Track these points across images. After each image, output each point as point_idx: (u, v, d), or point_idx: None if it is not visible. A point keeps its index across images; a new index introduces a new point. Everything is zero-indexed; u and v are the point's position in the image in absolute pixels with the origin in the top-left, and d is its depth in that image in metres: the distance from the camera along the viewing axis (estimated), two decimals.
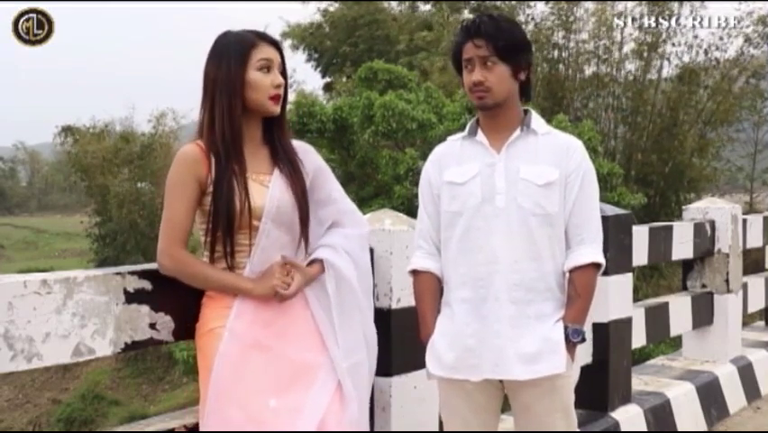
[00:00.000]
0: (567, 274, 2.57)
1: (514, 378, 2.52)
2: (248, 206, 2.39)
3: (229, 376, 2.33)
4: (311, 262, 2.53)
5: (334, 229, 2.62)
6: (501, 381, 2.58)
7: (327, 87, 26.99)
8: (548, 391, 2.53)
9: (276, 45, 2.50)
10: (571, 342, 2.51)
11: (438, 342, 2.60)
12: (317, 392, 2.41)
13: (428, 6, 26.81)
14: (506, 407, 2.73)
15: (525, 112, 2.62)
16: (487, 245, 2.53)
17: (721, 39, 19.56)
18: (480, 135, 2.60)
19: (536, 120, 2.61)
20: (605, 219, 4.06)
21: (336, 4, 27.60)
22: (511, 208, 2.51)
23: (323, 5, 27.67)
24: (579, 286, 2.53)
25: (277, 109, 2.48)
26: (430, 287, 2.66)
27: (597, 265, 2.56)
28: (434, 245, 2.67)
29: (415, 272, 2.71)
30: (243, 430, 2.30)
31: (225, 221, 2.38)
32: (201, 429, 2.38)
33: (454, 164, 2.62)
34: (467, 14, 22.47)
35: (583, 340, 2.54)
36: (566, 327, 2.51)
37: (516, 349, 2.50)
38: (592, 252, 2.55)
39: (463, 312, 2.57)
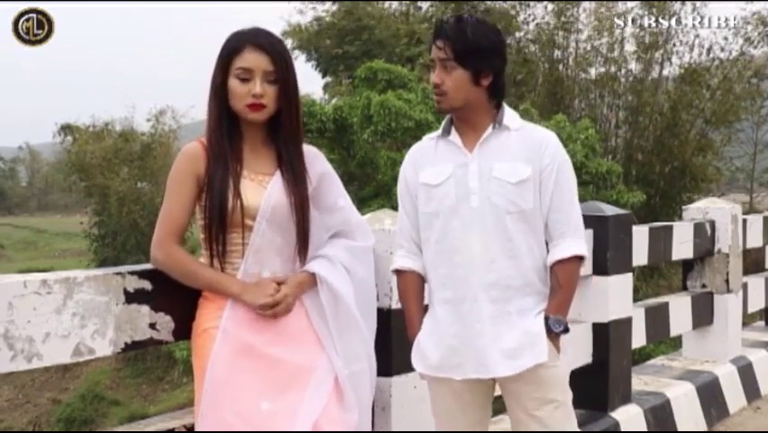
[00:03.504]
0: (549, 268, 2.56)
1: (497, 376, 2.53)
2: (240, 203, 2.39)
3: (222, 377, 2.34)
4: (303, 272, 2.52)
5: (338, 239, 2.62)
6: (493, 378, 2.58)
7: (327, 88, 26.99)
8: (533, 383, 2.53)
9: (266, 50, 2.44)
10: (553, 332, 2.51)
11: (423, 342, 2.62)
12: (312, 394, 2.41)
13: (426, 6, 26.80)
14: (503, 407, 2.73)
15: (499, 107, 2.58)
16: (463, 246, 2.53)
17: (726, 39, 19.59)
18: (454, 134, 2.58)
19: (509, 115, 2.58)
20: (605, 219, 4.08)
21: (329, 7, 27.56)
22: (486, 208, 2.50)
23: (320, 8, 27.65)
24: (561, 278, 2.54)
25: (257, 117, 2.45)
26: (413, 286, 2.67)
27: (579, 258, 2.56)
28: (414, 244, 2.67)
29: (398, 272, 2.71)
30: (237, 431, 2.30)
31: (217, 216, 2.39)
32: (196, 429, 2.38)
33: (429, 165, 2.61)
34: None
35: (566, 331, 2.54)
36: (547, 318, 2.51)
37: (498, 347, 2.50)
38: (573, 244, 2.54)
39: (445, 313, 2.58)
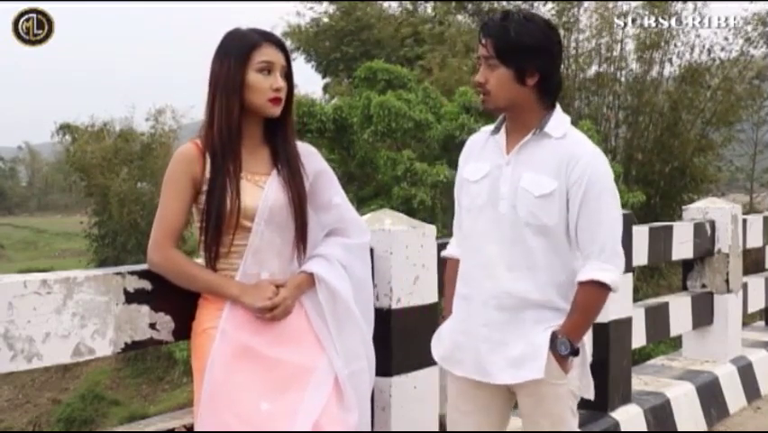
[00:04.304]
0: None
1: (492, 382, 2.50)
2: (238, 205, 2.39)
3: (221, 378, 2.33)
4: (301, 273, 2.51)
5: (334, 237, 2.60)
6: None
7: (327, 89, 27.01)
8: (532, 396, 2.49)
9: (281, 46, 2.48)
10: (557, 353, 2.42)
11: (443, 329, 2.65)
12: (312, 394, 2.40)
13: (428, 6, 26.80)
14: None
15: (552, 108, 2.50)
16: (484, 248, 2.51)
17: (726, 39, 19.60)
18: (501, 134, 2.54)
19: (554, 121, 2.47)
20: None
21: (326, 8, 27.58)
22: (510, 215, 2.47)
23: (318, 9, 27.67)
24: (579, 301, 2.45)
25: (276, 111, 2.46)
26: (454, 271, 2.68)
27: (599, 284, 2.41)
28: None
29: (447, 258, 2.76)
30: (237, 432, 2.29)
31: (215, 220, 2.38)
32: (195, 430, 2.38)
33: (474, 160, 2.59)
34: (460, 17, 22.47)
35: (574, 354, 2.44)
36: (555, 337, 2.43)
37: (503, 354, 2.47)
38: (595, 268, 2.41)
39: (459, 308, 2.59)
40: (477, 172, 2.55)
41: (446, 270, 2.77)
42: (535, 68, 2.41)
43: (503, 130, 2.54)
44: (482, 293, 2.50)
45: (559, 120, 2.49)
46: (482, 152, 2.58)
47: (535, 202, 2.43)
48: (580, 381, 2.54)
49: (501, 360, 2.47)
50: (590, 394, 2.60)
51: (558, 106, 2.52)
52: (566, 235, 2.46)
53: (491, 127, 2.60)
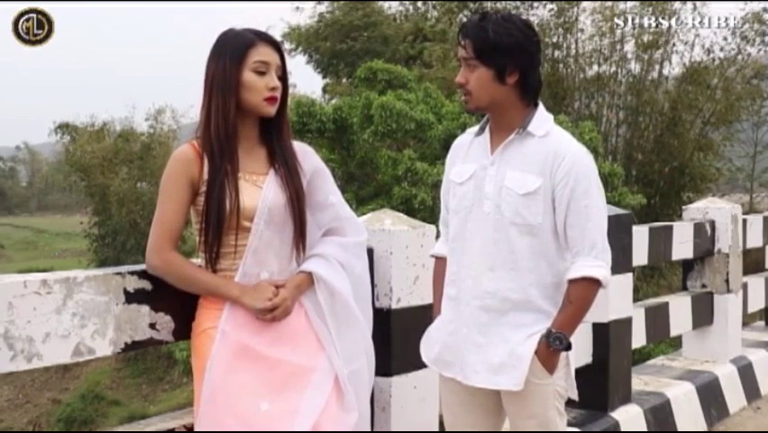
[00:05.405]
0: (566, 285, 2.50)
1: (474, 384, 2.52)
2: (237, 206, 2.39)
3: (221, 378, 2.33)
4: (300, 273, 2.52)
5: (331, 237, 2.60)
6: None
7: (326, 89, 27.00)
8: (518, 399, 2.49)
9: (276, 46, 2.49)
10: (551, 348, 2.43)
11: (431, 330, 2.66)
12: (312, 394, 2.40)
13: (430, 6, 26.78)
14: None
15: (535, 107, 2.52)
16: (470, 249, 2.52)
17: (725, 39, 19.61)
18: (486, 134, 2.56)
19: (537, 120, 2.48)
20: None
21: (331, 6, 27.56)
22: (495, 215, 2.48)
23: (320, 8, 27.67)
24: (571, 295, 2.46)
25: (272, 111, 2.46)
26: (442, 271, 2.69)
27: (591, 280, 2.44)
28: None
29: (435, 258, 2.77)
30: (237, 431, 2.29)
31: (216, 221, 2.38)
32: (195, 430, 2.38)
33: (460, 161, 2.61)
34: (462, 17, 22.46)
35: (567, 348, 2.45)
36: (549, 333, 2.43)
37: (482, 357, 2.49)
38: (586, 266, 2.43)
39: (447, 310, 2.61)
40: (463, 174, 2.57)
41: (434, 269, 2.78)
42: (515, 66, 2.43)
43: (487, 130, 2.56)
44: (467, 294, 2.52)
45: (542, 119, 2.50)
46: (468, 154, 2.60)
47: (520, 200, 2.44)
48: (565, 381, 2.54)
49: (480, 363, 2.49)
50: (574, 395, 2.60)
51: (541, 105, 2.53)
52: (553, 236, 2.48)
53: (476, 128, 2.62)
